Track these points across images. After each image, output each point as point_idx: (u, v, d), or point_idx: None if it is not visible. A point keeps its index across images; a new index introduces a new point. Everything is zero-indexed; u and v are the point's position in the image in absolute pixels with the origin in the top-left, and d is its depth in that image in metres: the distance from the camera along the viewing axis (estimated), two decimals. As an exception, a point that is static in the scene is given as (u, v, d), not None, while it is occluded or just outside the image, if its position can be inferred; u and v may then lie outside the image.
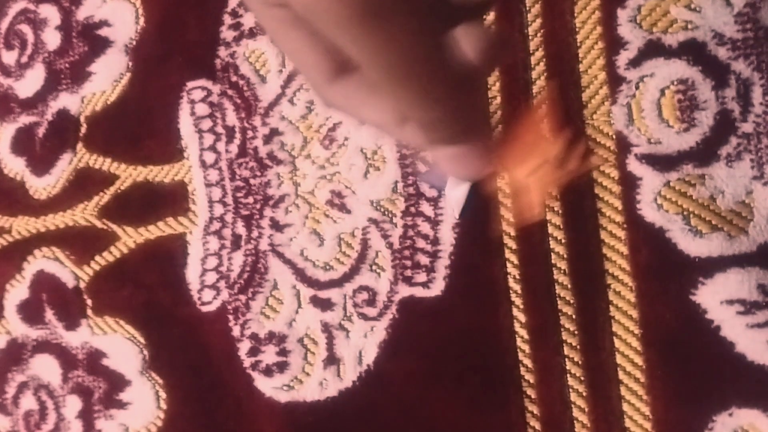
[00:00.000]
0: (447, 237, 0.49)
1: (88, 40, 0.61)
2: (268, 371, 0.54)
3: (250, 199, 0.55)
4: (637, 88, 0.45)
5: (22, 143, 0.63)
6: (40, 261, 0.62)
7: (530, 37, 0.47)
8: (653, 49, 0.45)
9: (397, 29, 0.19)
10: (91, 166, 0.60)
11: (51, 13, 0.63)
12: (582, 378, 0.46)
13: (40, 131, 0.62)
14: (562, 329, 0.47)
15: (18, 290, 0.63)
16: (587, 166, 0.27)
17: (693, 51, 0.44)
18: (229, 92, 0.56)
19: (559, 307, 0.47)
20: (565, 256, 0.47)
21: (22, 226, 0.63)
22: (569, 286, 0.47)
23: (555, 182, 0.26)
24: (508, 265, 0.48)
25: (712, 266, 0.43)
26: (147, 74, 0.59)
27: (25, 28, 0.64)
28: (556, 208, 0.47)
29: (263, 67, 0.55)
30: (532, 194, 0.26)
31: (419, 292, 0.50)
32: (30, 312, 0.62)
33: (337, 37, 0.20)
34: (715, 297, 0.43)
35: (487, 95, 0.23)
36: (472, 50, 0.21)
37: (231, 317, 0.55)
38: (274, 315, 0.54)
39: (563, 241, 0.47)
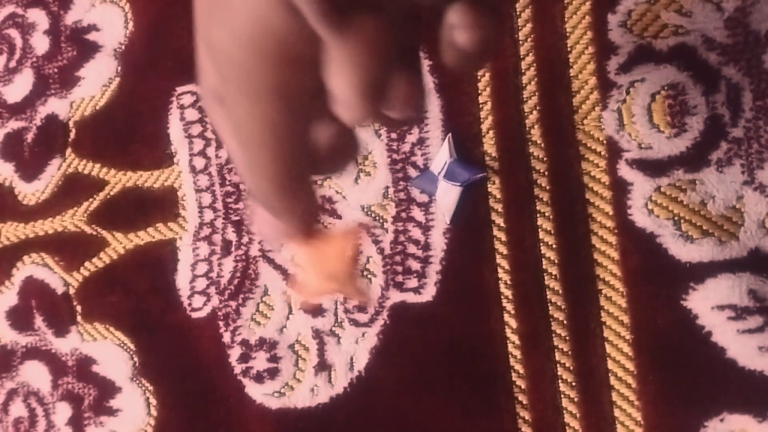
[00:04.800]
0: (438, 242, 0.49)
1: (77, 44, 0.61)
2: (258, 378, 0.53)
3: (241, 205, 0.55)
4: (627, 93, 0.45)
5: (11, 148, 0.63)
6: (29, 267, 0.62)
7: (521, 42, 0.47)
8: (644, 54, 0.45)
9: (272, 109, 0.21)
10: (81, 172, 0.60)
11: (39, 18, 0.62)
12: (573, 383, 0.46)
13: (29, 136, 0.62)
14: (553, 335, 0.47)
15: (7, 296, 0.63)
16: (355, 297, 0.30)
17: (683, 56, 0.44)
18: (219, 97, 0.55)
19: (550, 313, 0.47)
20: (556, 261, 0.47)
21: (11, 231, 0.62)
22: (560, 291, 0.46)
23: (324, 290, 0.28)
24: (500, 270, 0.48)
25: (703, 272, 0.43)
26: (136, 79, 0.58)
27: (13, 33, 0.63)
28: (547, 214, 0.47)
29: (253, 72, 0.54)
30: (304, 286, 0.29)
31: (410, 297, 0.50)
32: (19, 318, 0.62)
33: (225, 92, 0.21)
34: (706, 302, 0.43)
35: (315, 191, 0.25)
36: (324, 144, 0.22)
37: (221, 323, 0.55)
38: (264, 321, 0.54)
39: (554, 246, 0.47)
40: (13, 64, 0.63)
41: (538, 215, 0.47)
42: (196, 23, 0.22)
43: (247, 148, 0.22)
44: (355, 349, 0.51)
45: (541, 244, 0.47)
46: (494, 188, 0.48)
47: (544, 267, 0.47)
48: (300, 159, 0.23)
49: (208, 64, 0.22)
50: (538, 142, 0.47)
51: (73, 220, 0.60)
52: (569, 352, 0.46)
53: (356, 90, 0.20)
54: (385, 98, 0.21)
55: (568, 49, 0.46)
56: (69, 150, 0.60)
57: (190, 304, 0.56)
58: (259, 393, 0.54)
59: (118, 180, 0.59)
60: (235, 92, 0.21)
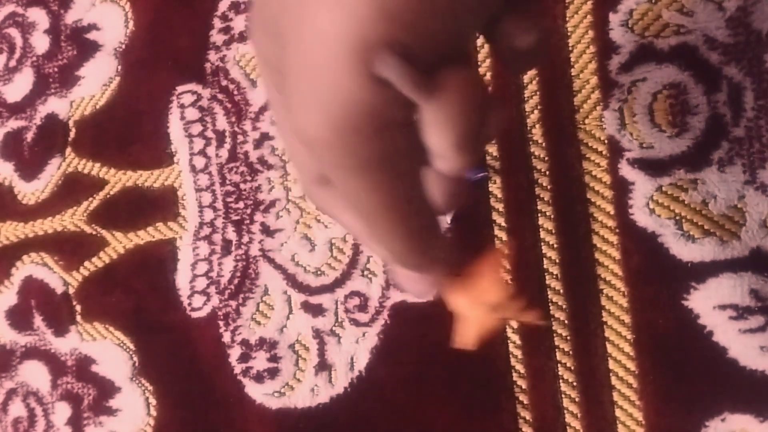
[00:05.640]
0: (439, 242, 0.49)
1: (77, 43, 0.60)
2: (258, 377, 0.53)
3: (241, 204, 0.54)
4: (629, 92, 0.45)
5: (11, 148, 0.63)
6: (28, 267, 0.61)
7: (522, 41, 0.47)
8: (645, 54, 0.44)
9: (382, 178, 0.21)
10: (80, 171, 0.60)
11: (39, 17, 0.62)
12: (574, 383, 0.46)
13: (29, 136, 0.62)
14: (554, 334, 0.47)
15: (6, 296, 0.62)
16: (527, 319, 0.29)
17: (685, 55, 0.44)
18: (219, 96, 0.55)
19: (551, 312, 0.47)
20: (557, 261, 0.47)
21: (11, 231, 0.62)
22: (561, 291, 0.46)
23: (491, 325, 0.28)
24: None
25: (704, 271, 0.43)
26: (136, 78, 0.58)
27: (14, 32, 0.63)
28: (548, 213, 0.47)
29: (253, 71, 0.54)
30: (469, 327, 0.28)
31: (411, 297, 0.50)
32: (18, 318, 0.62)
33: (332, 176, 0.22)
34: (707, 302, 0.43)
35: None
36: (437, 192, 0.23)
37: (221, 323, 0.55)
38: (264, 321, 0.53)
39: (555, 245, 0.47)
40: (13, 63, 0.63)
41: (539, 215, 0.47)
42: (277, 123, 0.23)
43: (369, 220, 0.22)
44: (355, 349, 0.51)
45: (542, 243, 0.47)
46: (495, 188, 0.48)
47: (545, 266, 0.47)
48: (422, 212, 0.23)
49: (303, 155, 0.23)
50: (539, 141, 0.47)
51: (72, 219, 0.60)
52: (570, 352, 0.46)
53: (455, 145, 0.21)
54: (483, 140, 0.22)
55: (570, 48, 0.46)
56: (69, 149, 0.60)
57: (189, 304, 0.56)
58: (259, 393, 0.53)
59: (117, 179, 0.58)
60: (340, 173, 0.21)
